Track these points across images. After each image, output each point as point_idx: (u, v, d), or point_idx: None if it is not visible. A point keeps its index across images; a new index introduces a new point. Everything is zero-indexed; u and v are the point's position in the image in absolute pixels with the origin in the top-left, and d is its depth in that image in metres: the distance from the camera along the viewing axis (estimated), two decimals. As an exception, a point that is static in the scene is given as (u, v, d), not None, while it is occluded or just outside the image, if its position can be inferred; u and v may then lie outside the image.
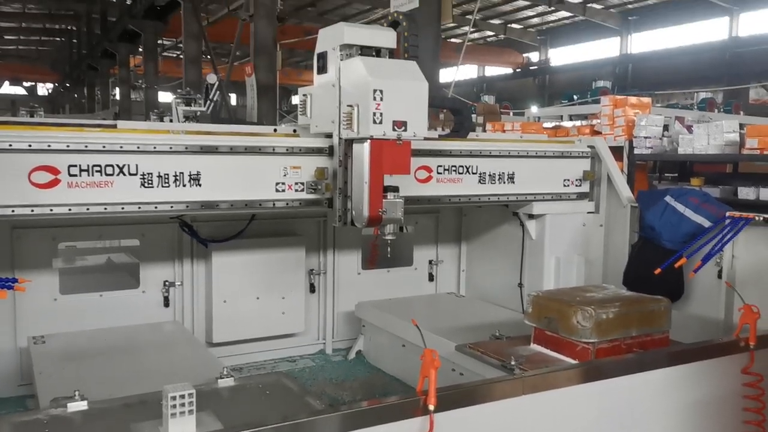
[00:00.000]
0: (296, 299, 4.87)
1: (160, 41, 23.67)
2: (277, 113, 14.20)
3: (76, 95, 38.73)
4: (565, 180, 4.79)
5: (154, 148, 3.54)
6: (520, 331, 3.82)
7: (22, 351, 4.21)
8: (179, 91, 7.39)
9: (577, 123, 13.76)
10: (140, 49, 24.36)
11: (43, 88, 44.55)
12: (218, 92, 6.21)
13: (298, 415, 2.24)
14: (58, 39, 34.75)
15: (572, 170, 4.82)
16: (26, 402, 4.16)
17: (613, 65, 25.37)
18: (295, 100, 5.26)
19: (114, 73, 29.23)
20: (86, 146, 3.38)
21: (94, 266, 5.87)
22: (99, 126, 3.75)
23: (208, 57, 17.45)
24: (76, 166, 3.36)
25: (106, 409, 2.76)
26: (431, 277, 5.58)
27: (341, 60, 3.67)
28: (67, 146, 3.33)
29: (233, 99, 31.77)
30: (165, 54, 29.05)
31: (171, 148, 3.58)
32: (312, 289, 5.06)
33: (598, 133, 10.37)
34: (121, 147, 3.46)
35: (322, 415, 2.15)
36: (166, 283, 4.63)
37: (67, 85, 40.03)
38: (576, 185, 4.84)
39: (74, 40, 32.96)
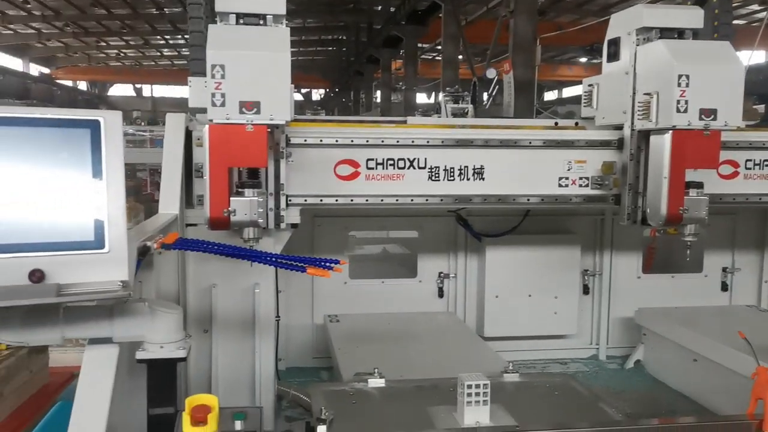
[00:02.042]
0: (569, 300, 4.69)
1: (419, 45, 24.91)
2: (534, 109, 14.00)
3: (343, 99, 42.60)
4: None
5: (442, 142, 3.66)
6: None
7: (317, 327, 4.68)
8: (448, 89, 7.63)
9: None
10: (401, 53, 25.84)
11: (316, 94, 49.77)
12: (497, 87, 6.25)
13: (603, 421, 2.11)
14: (330, 48, 38.47)
15: None
16: (320, 373, 4.62)
17: None
18: (548, 96, 5.03)
19: (377, 77, 31.49)
20: (382, 141, 3.61)
21: (373, 255, 6.32)
22: (391, 122, 3.99)
23: (463, 57, 17.87)
24: (373, 159, 3.61)
25: (401, 389, 2.91)
26: (725, 287, 4.97)
27: (637, 45, 3.42)
28: (367, 141, 3.59)
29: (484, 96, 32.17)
30: (422, 57, 30.43)
31: (458, 142, 3.66)
32: (586, 290, 4.82)
33: None
34: (413, 141, 3.64)
35: (638, 426, 1.99)
36: (441, 274, 4.79)
37: (336, 90, 44.26)
38: None
39: (343, 49, 36.21)
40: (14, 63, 35.48)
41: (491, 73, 6.90)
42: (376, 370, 2.93)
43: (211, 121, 3.00)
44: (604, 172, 3.67)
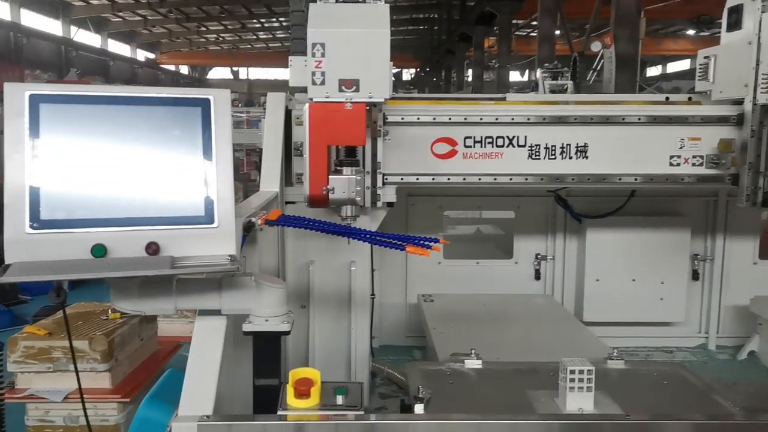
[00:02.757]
0: (677, 285, 4.45)
1: (513, 21, 24.27)
2: (637, 86, 13.32)
3: (434, 79, 42.28)
4: None
5: (543, 119, 3.53)
6: None
7: (411, 307, 4.69)
8: (546, 65, 7.34)
9: None
10: (495, 30, 25.27)
11: (407, 74, 49.69)
12: (601, 61, 5.97)
13: (719, 414, 1.98)
14: (421, 27, 38.23)
15: None
16: (413, 352, 4.63)
17: None
18: (651, 71, 4.71)
19: (469, 55, 30.99)
20: (481, 119, 3.52)
21: (467, 235, 6.25)
22: (490, 99, 3.89)
23: (561, 33, 17.24)
24: (470, 137, 3.54)
25: (498, 371, 2.85)
26: None
27: (762, 12, 3.14)
28: (465, 119, 3.52)
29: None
30: (516, 34, 29.66)
31: (560, 119, 3.52)
32: (695, 276, 4.56)
33: None
34: (512, 119, 3.53)
35: (757, 421, 1.85)
36: (538, 256, 4.66)
37: (427, 69, 43.97)
38: None
39: (435, 27, 35.88)
40: (123, 49, 37.56)
41: (596, 46, 6.57)
42: (473, 351, 2.89)
43: (311, 99, 3.03)
44: (720, 150, 3.42)
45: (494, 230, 6.30)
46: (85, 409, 2.38)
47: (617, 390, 2.66)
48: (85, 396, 3.93)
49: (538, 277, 4.68)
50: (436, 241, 2.40)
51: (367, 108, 3.07)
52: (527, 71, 34.44)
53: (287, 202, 3.61)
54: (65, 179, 1.80)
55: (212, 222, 1.89)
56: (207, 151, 1.92)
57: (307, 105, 3.04)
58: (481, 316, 4.07)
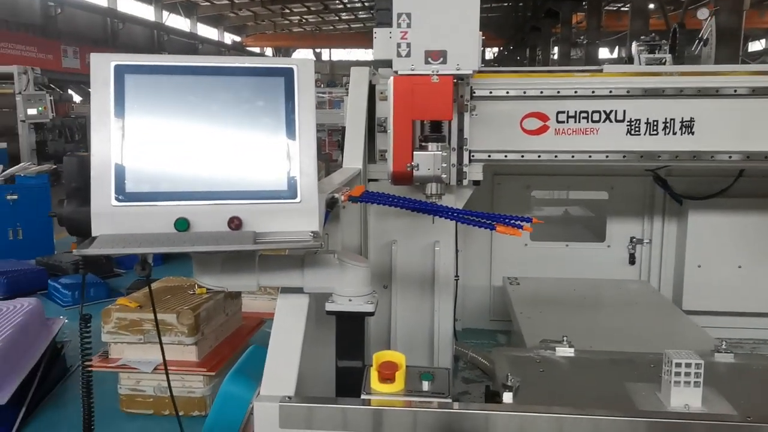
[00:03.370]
0: (792, 273, 4.09)
1: (603, -6, 23.21)
2: (740, 60, 12.42)
3: (518, 57, 41.20)
4: None
5: (645, 92, 3.27)
6: None
7: (495, 289, 4.54)
8: (642, 38, 6.90)
9: None
10: (583, 5, 24.25)
11: (489, 53, 48.65)
12: (710, 29, 5.54)
13: None
14: (504, 4, 37.23)
15: None
16: (496, 336, 4.49)
17: None
18: (753, 46, 4.27)
19: (555, 32, 29.95)
20: (575, 92, 3.30)
21: (555, 216, 6.00)
22: (585, 71, 3.65)
23: (655, 6, 16.29)
24: (564, 112, 3.33)
25: (592, 360, 2.68)
26: None
27: None
28: (558, 92, 3.31)
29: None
30: (606, 8, 28.37)
31: (663, 91, 3.25)
32: (810, 263, 4.17)
33: None
34: (610, 91, 3.29)
35: None
36: (633, 239, 4.39)
37: (511, 47, 42.86)
38: None
39: (520, 4, 34.83)
40: (210, 33, 38.69)
41: (703, 14, 6.10)
42: (564, 338, 2.72)
43: (395, 72, 2.91)
44: None
45: (583, 212, 6.01)
46: (169, 382, 2.38)
47: (727, 386, 2.43)
48: (172, 368, 4.04)
49: (632, 261, 4.41)
50: (528, 220, 2.24)
51: (455, 81, 2.93)
52: (616, 48, 32.90)
53: (370, 180, 3.53)
54: (149, 152, 1.77)
55: (295, 197, 1.82)
56: (290, 123, 1.85)
57: (391, 78, 2.93)
58: (571, 301, 3.87)
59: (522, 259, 4.48)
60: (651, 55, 6.63)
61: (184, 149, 1.79)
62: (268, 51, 47.24)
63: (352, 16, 41.08)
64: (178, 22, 34.55)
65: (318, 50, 48.65)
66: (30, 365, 4.19)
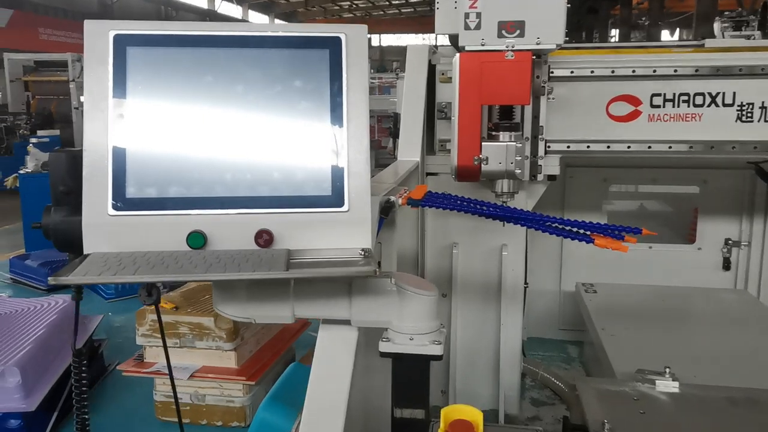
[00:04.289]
0: None
1: (668, -28, 21.95)
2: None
3: (573, 41, 39.75)
4: None
5: (762, 70, 2.72)
6: None
7: (566, 295, 4.05)
8: (726, 13, 6.22)
9: None
10: (647, -16, 23.03)
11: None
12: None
13: None
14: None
15: None
16: (567, 348, 4.00)
17: None
18: None
19: (614, 13, 28.64)
20: (675, 71, 2.78)
21: (628, 212, 5.42)
22: (685, 46, 3.11)
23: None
24: (660, 95, 2.81)
25: (704, 399, 2.18)
26: None
27: None
28: (654, 71, 2.79)
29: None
30: (671, -13, 26.93)
31: (786, 69, 2.69)
32: None
33: None
34: (717, 70, 2.75)
35: None
36: (729, 242, 3.82)
37: (566, 30, 41.33)
38: None
39: (577, -15, 33.48)
40: (262, 20, 38.70)
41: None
42: (667, 369, 2.24)
43: (462, 48, 2.45)
44: None
45: (660, 206, 5.41)
46: (174, 390, 2.01)
47: None
48: (210, 375, 3.74)
49: (727, 267, 3.84)
50: (636, 231, 1.76)
51: (534, 57, 2.45)
52: (677, 30, 31.25)
53: (428, 174, 3.09)
54: (157, 147, 1.38)
55: (341, 204, 1.40)
56: (336, 109, 1.43)
57: (456, 56, 2.47)
58: (660, 314, 3.34)
59: (598, 262, 3.96)
60: (737, 32, 5.95)
61: (200, 143, 1.39)
62: (319, 37, 47.00)
63: (403, 1, 40.42)
64: (230, 9, 34.60)
65: (368, 36, 48.10)
66: (63, 367, 3.96)
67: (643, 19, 25.51)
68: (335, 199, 1.41)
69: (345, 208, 1.40)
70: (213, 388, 3.74)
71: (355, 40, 1.45)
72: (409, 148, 2.86)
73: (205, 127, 1.40)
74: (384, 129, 13.81)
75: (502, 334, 3.10)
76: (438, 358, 1.42)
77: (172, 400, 3.85)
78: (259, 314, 1.48)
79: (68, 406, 3.88)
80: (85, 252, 1.34)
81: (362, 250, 1.40)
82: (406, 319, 1.44)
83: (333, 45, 1.44)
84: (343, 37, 1.44)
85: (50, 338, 3.88)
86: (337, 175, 1.41)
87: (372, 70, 19.39)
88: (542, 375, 3.34)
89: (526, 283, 3.22)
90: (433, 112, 3.08)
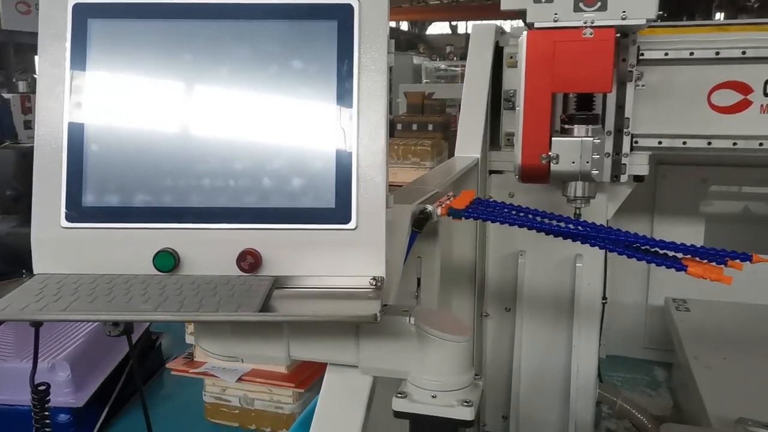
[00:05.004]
0: None
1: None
2: None
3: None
4: None
5: None
6: None
7: (653, 311, 3.57)
8: None
9: None
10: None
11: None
12: None
13: None
14: (661, -33, 33.83)
15: None
16: (653, 370, 3.53)
17: None
18: None
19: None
20: (797, 51, 2.28)
21: (729, 215, 4.80)
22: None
23: None
24: (776, 81, 2.32)
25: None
26: None
27: None
28: (771, 52, 2.30)
29: None
30: (785, -35, 24.73)
31: None
32: None
33: None
34: None
35: None
36: None
37: (664, 14, 39.07)
38: None
39: (678, -34, 31.46)
40: None
41: None
42: (777, 425, 1.80)
43: (530, 26, 2.08)
44: None
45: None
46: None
47: None
48: (259, 379, 3.56)
49: None
50: (744, 257, 1.35)
51: (617, 36, 2.04)
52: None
53: (491, 171, 2.72)
54: (121, 144, 1.11)
55: (347, 220, 1.09)
56: (344, 97, 1.11)
57: (523, 34, 2.09)
58: (758, 337, 2.83)
59: None
60: None
61: (174, 141, 1.11)
62: (404, 25, 46.63)
63: (491, -14, 39.44)
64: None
65: (454, 23, 47.31)
66: (116, 361, 3.90)
67: (752, 1, 23.54)
68: (340, 212, 1.09)
69: (352, 224, 1.09)
70: (262, 392, 3.59)
71: (372, 10, 1.12)
72: (469, 143, 2.50)
73: (181, 120, 1.11)
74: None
75: (574, 356, 2.71)
76: (468, 424, 1.08)
77: (221, 402, 3.72)
78: (247, 353, 1.19)
79: (119, 403, 3.82)
80: (35, 272, 1.10)
81: (373, 279, 1.08)
82: (428, 371, 1.11)
83: (342, 15, 1.12)
84: (355, 4, 1.12)
85: (101, 334, 3.81)
86: (343, 182, 1.09)
87: (455, 58, 18.87)
88: (621, 405, 2.91)
89: (604, 298, 2.80)
90: (499, 101, 2.70)
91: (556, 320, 2.75)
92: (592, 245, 1.41)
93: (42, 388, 1.25)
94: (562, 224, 1.41)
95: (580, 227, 1.43)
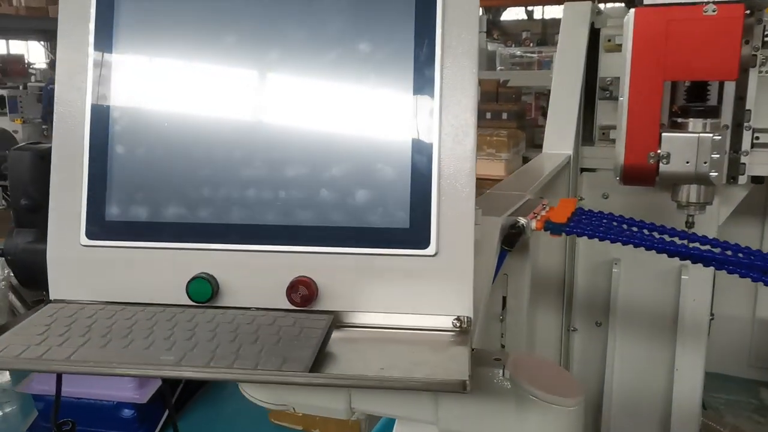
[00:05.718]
0: None
1: None
2: None
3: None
4: None
5: None
6: None
7: (761, 324, 3.18)
8: None
9: None
10: None
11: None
12: None
13: None
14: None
15: None
16: (759, 391, 3.14)
17: None
18: None
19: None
20: None
21: None
22: None
23: None
24: None
25: None
26: None
27: None
28: None
29: None
30: None
31: None
32: None
33: None
34: None
35: None
36: None
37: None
38: None
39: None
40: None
41: None
42: None
43: (639, 3, 1.77)
44: None
45: None
46: None
47: None
48: (324, 383, 3.41)
49: None
50: None
51: (747, 12, 1.71)
52: None
53: (583, 170, 2.42)
54: (152, 147, 0.92)
55: (425, 244, 0.86)
56: (423, 87, 0.87)
57: (631, 13, 1.79)
58: None
59: None
60: None
61: (214, 143, 0.91)
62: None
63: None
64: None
65: (530, 8, 46.03)
66: (180, 358, 3.84)
67: None
68: (416, 234, 0.86)
69: (431, 249, 0.85)
70: (324, 397, 3.43)
71: (460, -22, 0.88)
72: (559, 137, 2.21)
73: (222, 117, 0.91)
74: (539, 107, 12.79)
75: (677, 380, 2.39)
76: None
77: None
78: (301, 403, 0.98)
79: (183, 401, 3.77)
80: (51, 296, 0.92)
81: (457, 319, 0.85)
82: (525, 438, 0.86)
83: (423, -15, 0.88)
84: (439, -28, 0.87)
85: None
86: (420, 195, 0.86)
87: (531, 44, 18.20)
88: (728, 437, 2.57)
89: (711, 314, 2.46)
90: (594, 90, 2.39)
91: (655, 338, 2.43)
92: (730, 272, 1.12)
93: (66, 428, 1.08)
94: (696, 245, 1.13)
95: (714, 249, 1.14)
